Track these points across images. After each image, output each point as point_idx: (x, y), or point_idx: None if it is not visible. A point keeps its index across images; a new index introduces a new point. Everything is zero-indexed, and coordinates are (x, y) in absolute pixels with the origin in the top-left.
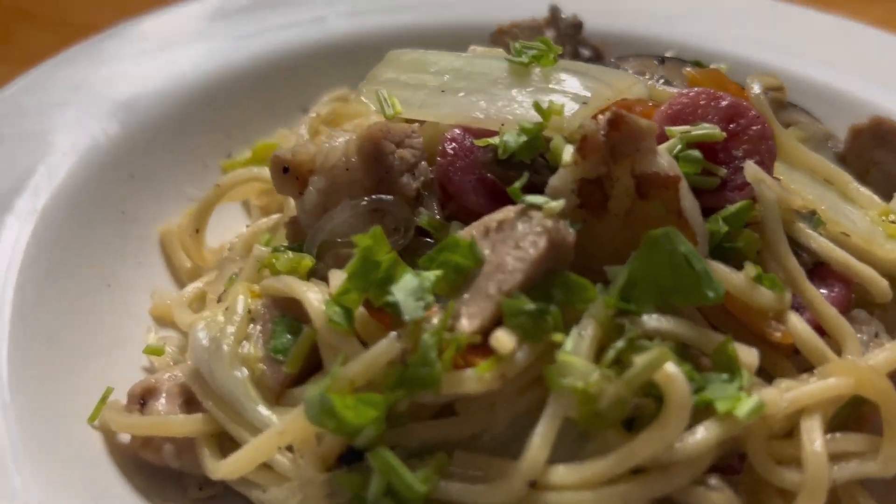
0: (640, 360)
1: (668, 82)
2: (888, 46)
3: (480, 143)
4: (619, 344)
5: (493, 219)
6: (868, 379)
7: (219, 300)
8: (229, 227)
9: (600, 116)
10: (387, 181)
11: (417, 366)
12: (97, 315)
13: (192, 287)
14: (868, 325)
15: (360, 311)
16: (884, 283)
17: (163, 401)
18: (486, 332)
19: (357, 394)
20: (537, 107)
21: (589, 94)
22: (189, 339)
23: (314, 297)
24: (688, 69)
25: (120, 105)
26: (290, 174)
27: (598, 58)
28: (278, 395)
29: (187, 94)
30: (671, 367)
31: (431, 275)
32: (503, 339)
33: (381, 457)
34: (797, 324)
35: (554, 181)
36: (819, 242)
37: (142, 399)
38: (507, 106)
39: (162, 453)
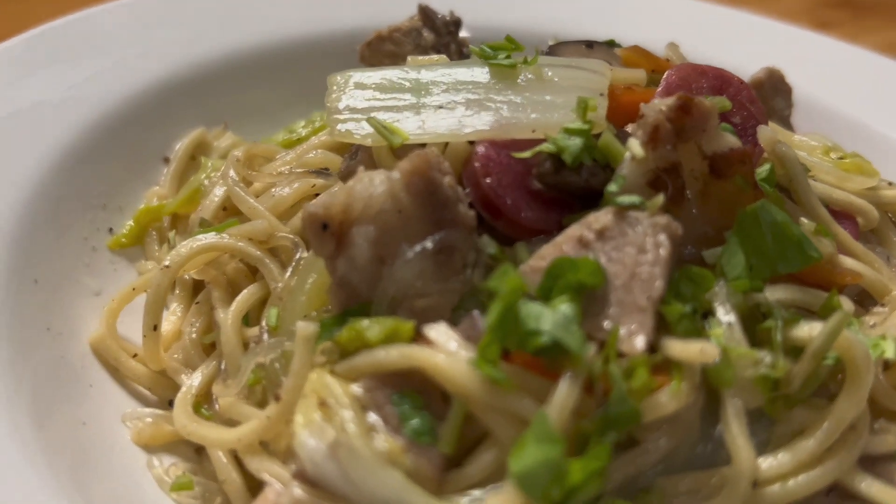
0: (819, 332)
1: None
2: (793, 38)
3: (523, 154)
4: (775, 322)
5: (585, 229)
6: None
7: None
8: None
9: (656, 101)
10: (445, 215)
11: (617, 403)
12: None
13: (186, 395)
14: (875, 252)
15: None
16: (874, 211)
17: None
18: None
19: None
20: (579, 104)
21: (601, 86)
22: (299, 453)
23: (451, 361)
24: (617, 49)
25: None
26: (328, 231)
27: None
28: (438, 485)
29: (49, 172)
30: (847, 332)
31: (564, 304)
32: (708, 349)
33: None
34: (854, 265)
35: (626, 176)
36: (819, 188)
37: None
38: (525, 111)
39: None
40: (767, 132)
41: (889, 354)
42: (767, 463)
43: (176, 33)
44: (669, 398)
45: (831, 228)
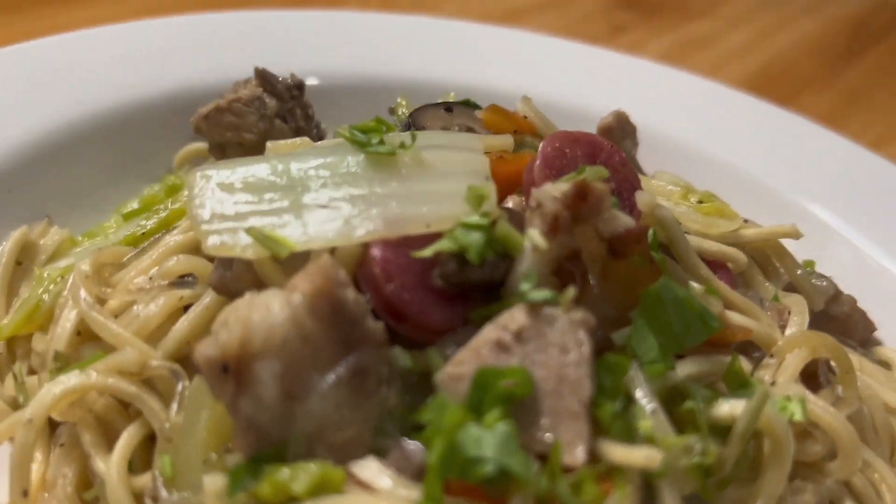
0: (742, 412)
1: (471, 129)
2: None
3: (423, 254)
4: (697, 405)
5: (501, 331)
6: (819, 341)
7: None
8: None
9: (548, 188)
10: (354, 334)
11: None
12: None
13: None
14: (748, 296)
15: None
16: (743, 256)
17: None
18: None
19: None
20: (472, 194)
21: (484, 167)
22: None
23: None
24: (477, 112)
25: None
26: (230, 373)
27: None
28: None
29: None
30: (767, 408)
31: (500, 423)
32: (653, 455)
33: None
34: (743, 320)
35: (528, 268)
36: (692, 241)
37: None
38: (415, 205)
39: None
40: (646, 197)
41: (798, 417)
42: None
43: None
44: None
45: (714, 285)
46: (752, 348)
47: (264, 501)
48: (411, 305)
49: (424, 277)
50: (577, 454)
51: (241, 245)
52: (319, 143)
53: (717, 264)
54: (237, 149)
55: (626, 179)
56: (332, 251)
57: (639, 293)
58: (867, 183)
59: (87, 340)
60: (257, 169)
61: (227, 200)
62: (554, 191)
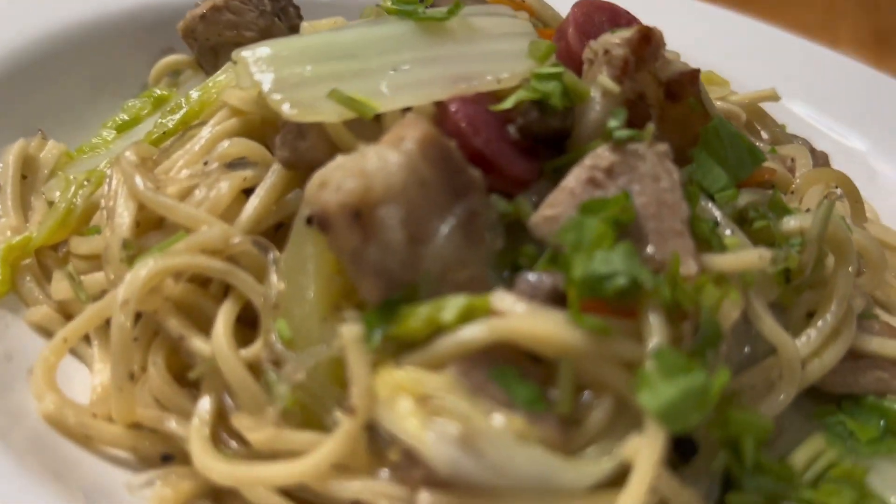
0: (813, 221)
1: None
2: None
3: (503, 107)
4: (769, 221)
5: (592, 171)
6: (832, 175)
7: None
8: None
9: (608, 35)
10: (462, 180)
11: (707, 323)
12: None
13: (201, 439)
14: None
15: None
16: (743, 114)
17: None
18: None
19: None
20: (536, 48)
21: (530, 29)
22: (429, 454)
23: (546, 323)
24: None
25: None
26: (360, 220)
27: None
28: (564, 446)
29: None
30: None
31: (619, 245)
32: (765, 253)
33: (738, 417)
34: (768, 162)
35: (598, 113)
36: None
37: None
38: (481, 63)
39: None
40: (672, 55)
41: None
42: (801, 344)
43: None
44: (731, 308)
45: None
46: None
47: (404, 338)
48: (499, 155)
49: (502, 131)
50: (690, 265)
51: (324, 109)
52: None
53: None
54: (232, 49)
55: None
56: (406, 112)
57: (692, 134)
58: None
59: (147, 231)
60: (311, 41)
61: (292, 70)
62: (615, 38)
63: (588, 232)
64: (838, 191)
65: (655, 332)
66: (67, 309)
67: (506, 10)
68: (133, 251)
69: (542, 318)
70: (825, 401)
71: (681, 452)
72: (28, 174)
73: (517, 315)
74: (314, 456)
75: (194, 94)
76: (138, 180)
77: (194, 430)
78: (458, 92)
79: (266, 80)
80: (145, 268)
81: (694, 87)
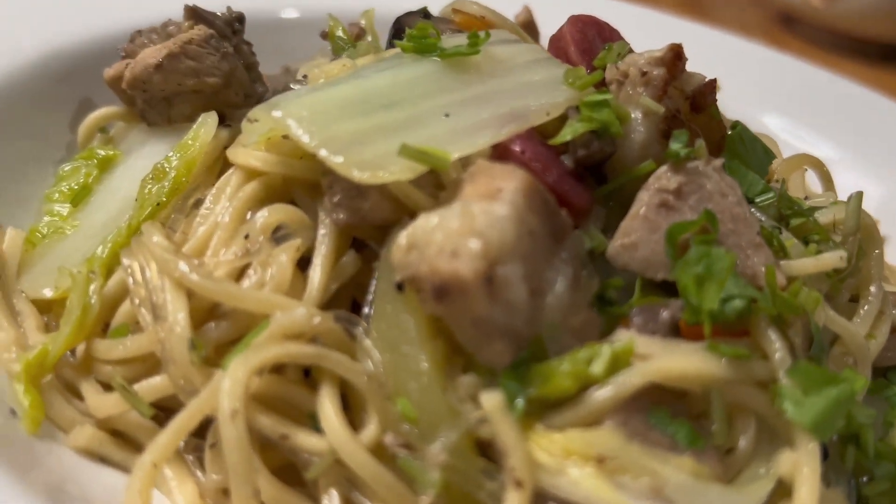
0: (847, 214)
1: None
2: None
3: (559, 140)
4: (809, 217)
5: (660, 193)
6: (804, 160)
7: None
8: None
9: (638, 55)
10: (557, 223)
11: (814, 326)
12: None
13: None
14: None
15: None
16: None
17: None
18: None
19: None
20: (573, 76)
21: (547, 55)
22: None
23: (691, 360)
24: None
25: None
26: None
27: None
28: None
29: None
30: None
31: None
32: (842, 254)
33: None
34: None
35: (641, 134)
36: None
37: None
38: (526, 97)
39: None
40: None
41: None
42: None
43: None
44: (819, 309)
45: None
46: None
47: (552, 398)
48: (568, 191)
49: (560, 164)
50: (779, 275)
51: (394, 167)
52: (378, 60)
53: None
54: (190, 98)
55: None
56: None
57: (713, 142)
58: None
59: (200, 324)
60: (345, 91)
61: (340, 126)
62: (640, 59)
63: (719, 263)
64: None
65: (778, 346)
66: (113, 425)
67: (511, 35)
68: (203, 351)
69: (685, 354)
70: (876, 375)
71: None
72: None
73: (661, 356)
74: None
75: (173, 156)
76: (184, 267)
77: None
78: (513, 130)
79: (315, 140)
80: (241, 369)
81: (713, 96)
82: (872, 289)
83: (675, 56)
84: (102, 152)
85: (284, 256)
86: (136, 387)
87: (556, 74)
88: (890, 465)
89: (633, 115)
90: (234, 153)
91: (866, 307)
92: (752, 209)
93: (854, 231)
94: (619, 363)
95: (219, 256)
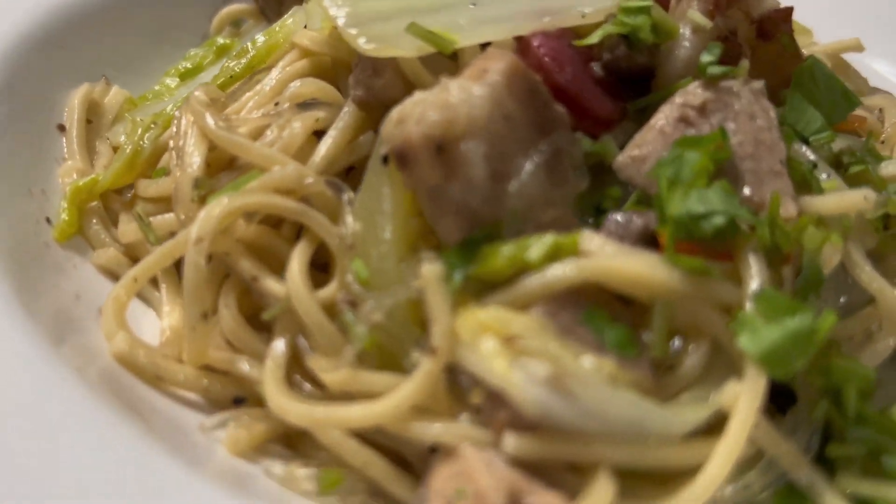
0: None
1: None
2: None
3: (588, 41)
4: (867, 165)
5: (684, 108)
6: None
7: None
8: None
9: None
10: (548, 116)
11: (809, 266)
12: None
13: (275, 380)
14: None
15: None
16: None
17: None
18: None
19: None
20: None
21: None
22: (518, 396)
23: (642, 264)
24: None
25: None
26: (443, 155)
27: None
28: (656, 392)
29: None
30: None
31: (715, 184)
32: (870, 194)
33: (840, 365)
34: (858, 111)
35: (688, 50)
36: None
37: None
38: None
39: None
40: None
41: None
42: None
43: None
44: (832, 253)
45: None
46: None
47: (487, 278)
48: (584, 92)
49: (585, 67)
50: (790, 206)
51: (401, 43)
52: None
53: None
54: None
55: None
56: (484, 48)
57: (784, 75)
58: None
59: (217, 172)
60: None
61: (367, 4)
62: None
63: (687, 166)
64: None
65: (756, 273)
66: (134, 252)
67: None
68: (205, 191)
69: (635, 258)
70: None
71: (779, 402)
72: (93, 119)
73: (607, 255)
74: (394, 397)
75: (260, 38)
76: (209, 119)
77: (268, 372)
78: (541, 27)
79: (341, 14)
80: (219, 206)
81: (787, 26)
82: None
83: None
84: (221, 40)
85: (299, 123)
86: (153, 220)
87: None
88: (870, 433)
89: (681, 30)
90: (297, 34)
91: None
92: (804, 147)
93: None
94: (559, 254)
95: (250, 116)
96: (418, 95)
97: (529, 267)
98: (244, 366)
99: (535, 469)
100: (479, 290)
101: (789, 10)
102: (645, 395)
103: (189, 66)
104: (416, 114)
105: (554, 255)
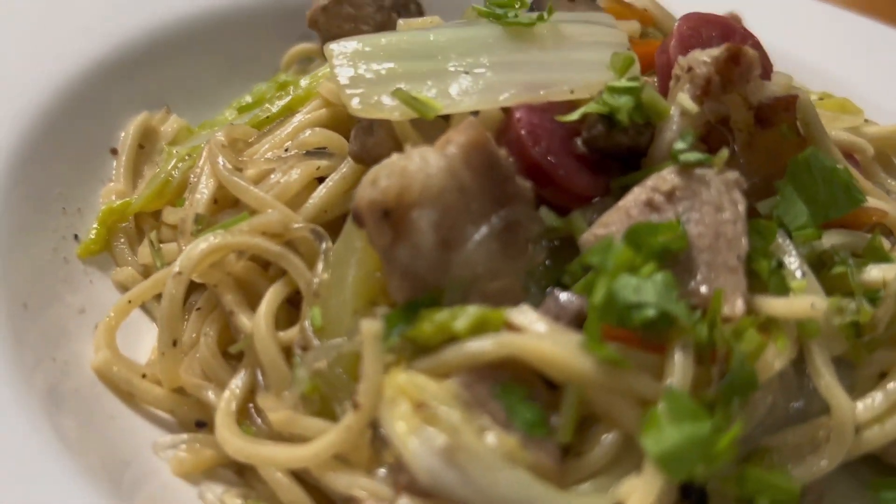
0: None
1: None
2: None
3: (570, 118)
4: (848, 268)
5: (652, 192)
6: None
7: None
8: None
9: (698, 53)
10: (507, 190)
11: (738, 368)
12: None
13: (226, 414)
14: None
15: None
16: (871, 148)
17: None
18: None
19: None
20: (617, 59)
21: (624, 40)
22: (411, 462)
23: (556, 345)
24: (598, 0)
25: None
26: (389, 218)
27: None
28: (559, 476)
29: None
30: None
31: (658, 274)
32: (818, 303)
33: (754, 475)
34: (878, 203)
35: (674, 133)
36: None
37: None
38: (557, 71)
39: None
40: (782, 77)
41: None
42: (862, 407)
43: (95, 11)
44: (775, 357)
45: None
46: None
47: (419, 342)
48: (557, 168)
49: (568, 143)
50: (736, 305)
51: (388, 107)
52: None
53: (847, 156)
54: None
55: (761, 63)
56: (474, 115)
57: (783, 163)
58: None
59: (224, 208)
60: (396, 39)
61: (369, 66)
62: (704, 55)
63: (613, 255)
64: None
65: (678, 371)
66: (149, 273)
67: (606, 18)
68: (202, 226)
69: (556, 339)
70: (889, 472)
71: (692, 501)
72: (146, 144)
73: (531, 333)
74: (316, 444)
75: (303, 82)
76: (220, 160)
77: (223, 403)
78: (528, 99)
79: (343, 74)
80: (205, 243)
81: (789, 114)
82: None
83: (730, 58)
84: (284, 77)
85: (299, 170)
86: (166, 245)
87: (607, 57)
88: None
89: (672, 112)
90: (322, 84)
91: (889, 386)
92: (787, 241)
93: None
94: (485, 326)
95: (264, 158)
96: (389, 159)
97: (456, 336)
98: (209, 394)
99: None
100: (415, 354)
101: (792, 99)
102: (543, 477)
103: (250, 100)
104: (375, 177)
105: (480, 327)
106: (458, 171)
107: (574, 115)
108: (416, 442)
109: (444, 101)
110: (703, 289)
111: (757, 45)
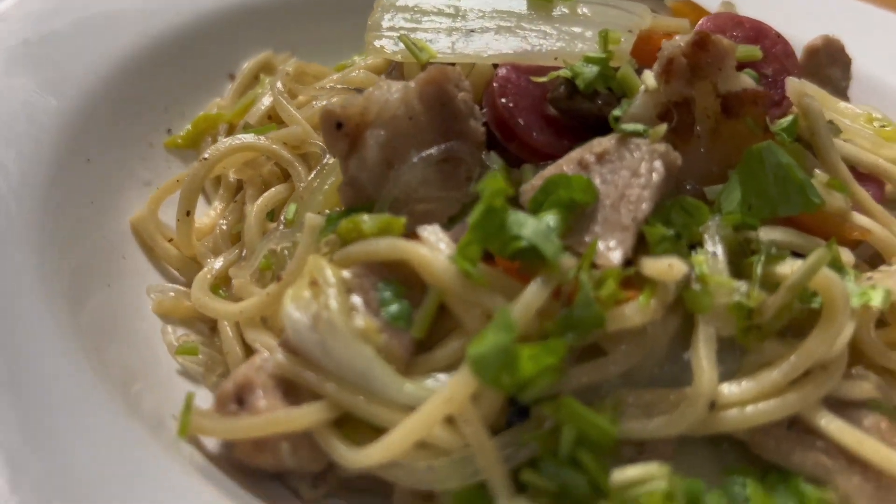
0: (799, 267)
1: (655, 12)
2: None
3: (541, 79)
4: (758, 257)
5: (586, 152)
6: None
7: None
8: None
9: (676, 38)
10: (455, 127)
11: (581, 307)
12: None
13: (206, 274)
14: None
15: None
16: None
17: (261, 395)
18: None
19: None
20: (603, 34)
21: (631, 24)
22: (285, 323)
23: (433, 254)
24: (668, 0)
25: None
26: (342, 130)
27: None
28: (406, 366)
29: (119, 71)
30: (827, 271)
31: (550, 216)
32: (676, 265)
33: (570, 405)
34: (866, 222)
35: (636, 108)
36: (847, 149)
37: (238, 398)
38: (551, 40)
39: (280, 454)
40: (795, 84)
41: (875, 303)
42: (729, 388)
43: None
44: (635, 311)
45: (849, 186)
46: (879, 260)
47: (342, 237)
48: (518, 121)
49: (539, 103)
50: (611, 256)
51: (394, 49)
52: None
53: (869, 178)
54: None
55: (786, 70)
56: (471, 69)
57: (739, 153)
58: None
59: (276, 124)
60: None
61: (399, 17)
62: (679, 40)
63: (491, 185)
64: None
65: (524, 296)
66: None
67: (632, 6)
68: (249, 132)
69: (434, 250)
70: (757, 463)
71: (514, 416)
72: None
73: (428, 243)
74: (244, 303)
75: None
76: (278, 84)
77: (206, 267)
78: (514, 60)
79: (379, 21)
80: (234, 140)
81: (756, 108)
82: (786, 366)
83: (695, 43)
84: None
85: (336, 98)
86: None
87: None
88: (572, 475)
89: (640, 88)
90: None
91: (763, 374)
92: (713, 224)
93: (793, 287)
94: (388, 231)
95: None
96: (375, 85)
97: (363, 235)
98: (208, 261)
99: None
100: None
101: (760, 94)
102: (390, 360)
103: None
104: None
105: (384, 231)
106: (411, 101)
107: (544, 78)
108: (292, 307)
109: (442, 49)
110: (587, 238)
111: (787, 54)
